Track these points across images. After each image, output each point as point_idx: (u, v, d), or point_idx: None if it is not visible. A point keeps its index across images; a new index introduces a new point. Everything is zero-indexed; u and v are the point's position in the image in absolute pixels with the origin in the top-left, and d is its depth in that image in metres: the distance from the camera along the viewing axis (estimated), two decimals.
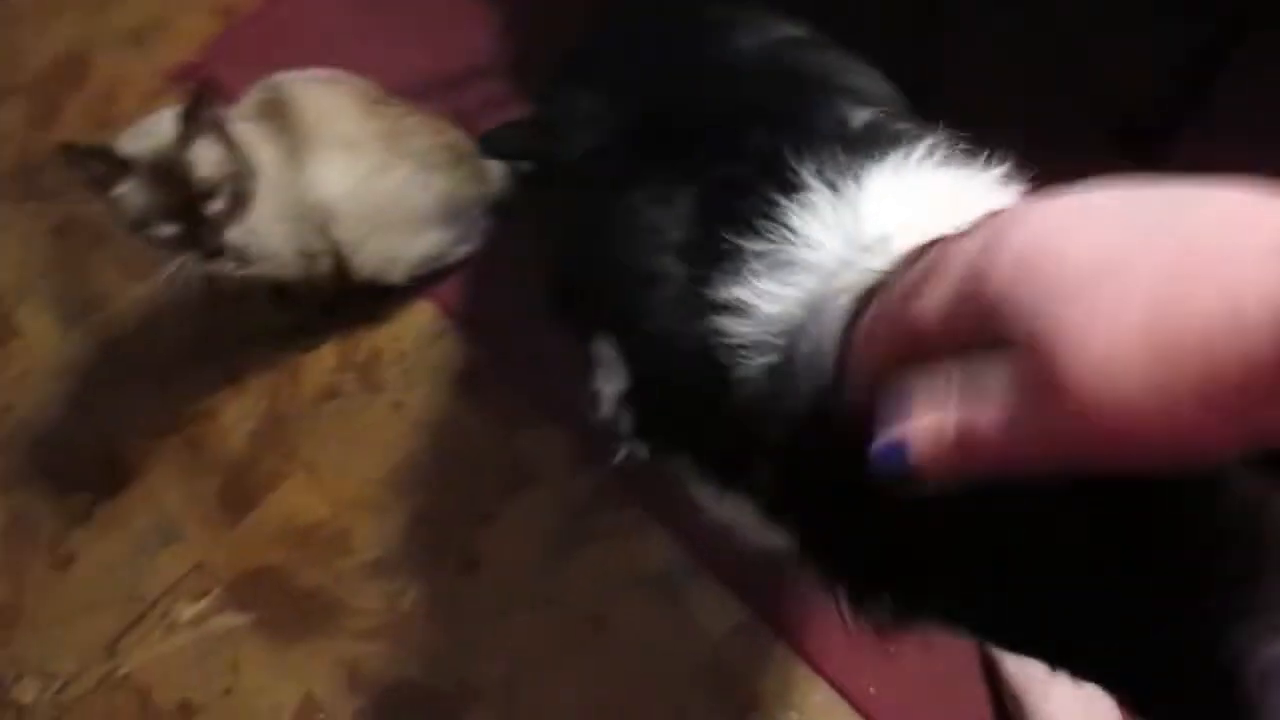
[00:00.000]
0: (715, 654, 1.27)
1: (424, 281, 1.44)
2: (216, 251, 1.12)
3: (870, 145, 0.73)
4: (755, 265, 0.68)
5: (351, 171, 1.23)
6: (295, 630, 1.35)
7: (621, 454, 1.10)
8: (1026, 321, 0.38)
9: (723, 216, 0.73)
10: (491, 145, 1.45)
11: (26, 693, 1.36)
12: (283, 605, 1.36)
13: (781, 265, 0.67)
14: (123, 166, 1.08)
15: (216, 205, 1.10)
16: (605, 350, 1.14)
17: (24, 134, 1.65)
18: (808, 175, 0.70)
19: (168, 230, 1.10)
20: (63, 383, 1.50)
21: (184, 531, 1.41)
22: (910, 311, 0.44)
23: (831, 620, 1.25)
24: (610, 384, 1.18)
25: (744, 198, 0.72)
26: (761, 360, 0.67)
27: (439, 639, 1.32)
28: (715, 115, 0.87)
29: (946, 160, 0.72)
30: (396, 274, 1.36)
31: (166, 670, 1.35)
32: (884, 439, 0.44)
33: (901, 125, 0.79)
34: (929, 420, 0.42)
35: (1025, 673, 1.19)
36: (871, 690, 1.23)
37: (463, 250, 1.43)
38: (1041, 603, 0.49)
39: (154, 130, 1.10)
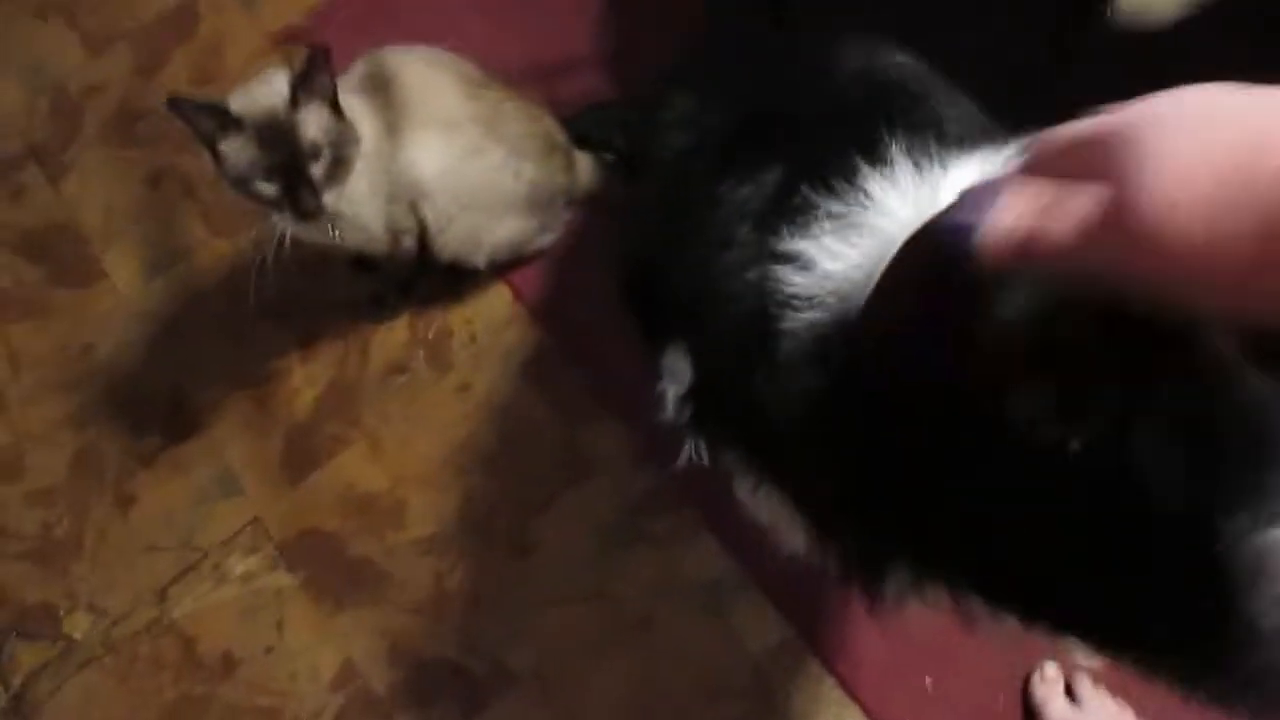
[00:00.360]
0: (754, 669, 1.27)
1: (502, 267, 1.45)
2: (313, 213, 1.13)
3: (962, 139, 0.75)
4: (826, 223, 0.70)
5: (446, 152, 1.25)
6: (342, 596, 1.37)
7: (684, 455, 1.11)
8: (1123, 144, 0.41)
9: (806, 179, 0.74)
10: (581, 126, 1.47)
11: (78, 625, 1.40)
12: (332, 570, 1.39)
13: (852, 227, 0.69)
14: (232, 122, 1.10)
15: (318, 168, 1.12)
16: (673, 350, 1.15)
17: (128, 81, 1.69)
18: (896, 151, 0.72)
19: (268, 189, 1.12)
20: (142, 328, 1.54)
21: (244, 486, 1.44)
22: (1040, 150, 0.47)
23: (872, 647, 1.26)
24: (676, 384, 1.20)
25: (830, 164, 0.73)
26: (810, 315, 0.68)
27: (481, 621, 1.34)
28: (814, 113, 0.89)
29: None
30: (478, 257, 1.37)
31: (213, 621, 1.38)
32: (959, 215, 0.46)
33: (995, 127, 0.79)
34: (1008, 215, 0.45)
35: (1066, 718, 1.18)
36: None
37: (544, 240, 1.44)
38: (1049, 538, 0.50)
39: (265, 89, 1.12)
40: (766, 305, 0.73)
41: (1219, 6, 1.07)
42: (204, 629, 1.39)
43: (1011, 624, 0.60)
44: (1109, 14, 1.02)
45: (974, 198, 0.46)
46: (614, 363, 1.41)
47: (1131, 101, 0.43)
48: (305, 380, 1.48)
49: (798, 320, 0.69)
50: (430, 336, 1.48)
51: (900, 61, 0.95)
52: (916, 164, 0.72)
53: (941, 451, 0.54)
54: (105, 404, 1.50)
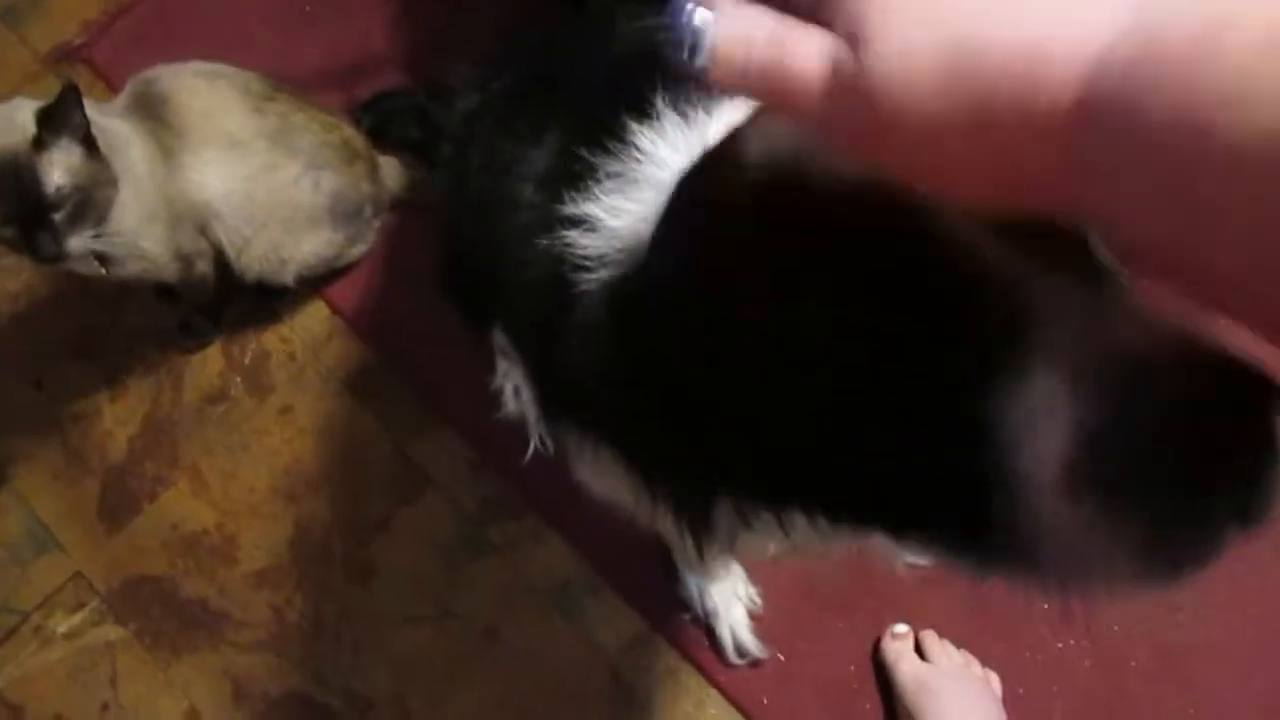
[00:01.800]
0: (612, 667, 1.27)
1: (316, 282, 1.41)
2: (53, 259, 1.07)
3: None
4: (606, 183, 0.72)
5: (235, 172, 1.20)
6: (177, 643, 1.33)
7: (531, 448, 1.11)
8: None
9: (581, 142, 0.76)
10: (373, 117, 1.44)
11: None
12: (164, 617, 1.34)
13: (630, 183, 0.71)
14: None
15: (61, 213, 1.05)
16: (501, 340, 1.15)
17: None
18: (662, 104, 0.73)
19: (4, 231, 1.06)
20: None
21: (60, 540, 1.38)
22: None
23: None
24: (511, 377, 1.19)
25: (602, 125, 0.75)
26: (603, 274, 0.70)
27: (327, 651, 1.31)
28: (587, 78, 0.91)
29: None
30: (285, 275, 1.33)
31: (41, 686, 1.32)
32: (683, 9, 0.42)
33: None
34: (743, 19, 0.41)
35: (919, 679, 1.22)
36: (765, 700, 1.26)
37: (356, 251, 1.40)
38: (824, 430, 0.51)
39: (5, 124, 1.05)
40: (561, 270, 0.74)
41: None
42: (32, 695, 1.32)
43: (829, 531, 0.61)
44: None
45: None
46: (441, 370, 1.39)
47: None
48: (116, 420, 1.42)
49: (592, 281, 0.71)
50: (246, 361, 1.43)
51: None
52: (682, 114, 0.73)
53: (711, 362, 0.55)
54: None
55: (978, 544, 0.49)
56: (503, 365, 1.19)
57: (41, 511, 1.39)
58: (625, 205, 0.70)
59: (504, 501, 1.35)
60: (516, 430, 1.17)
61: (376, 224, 1.41)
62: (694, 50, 0.41)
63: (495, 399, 1.21)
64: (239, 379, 1.42)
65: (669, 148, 0.71)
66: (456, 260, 1.15)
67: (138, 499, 1.39)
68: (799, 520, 0.61)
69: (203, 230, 1.22)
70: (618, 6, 1.09)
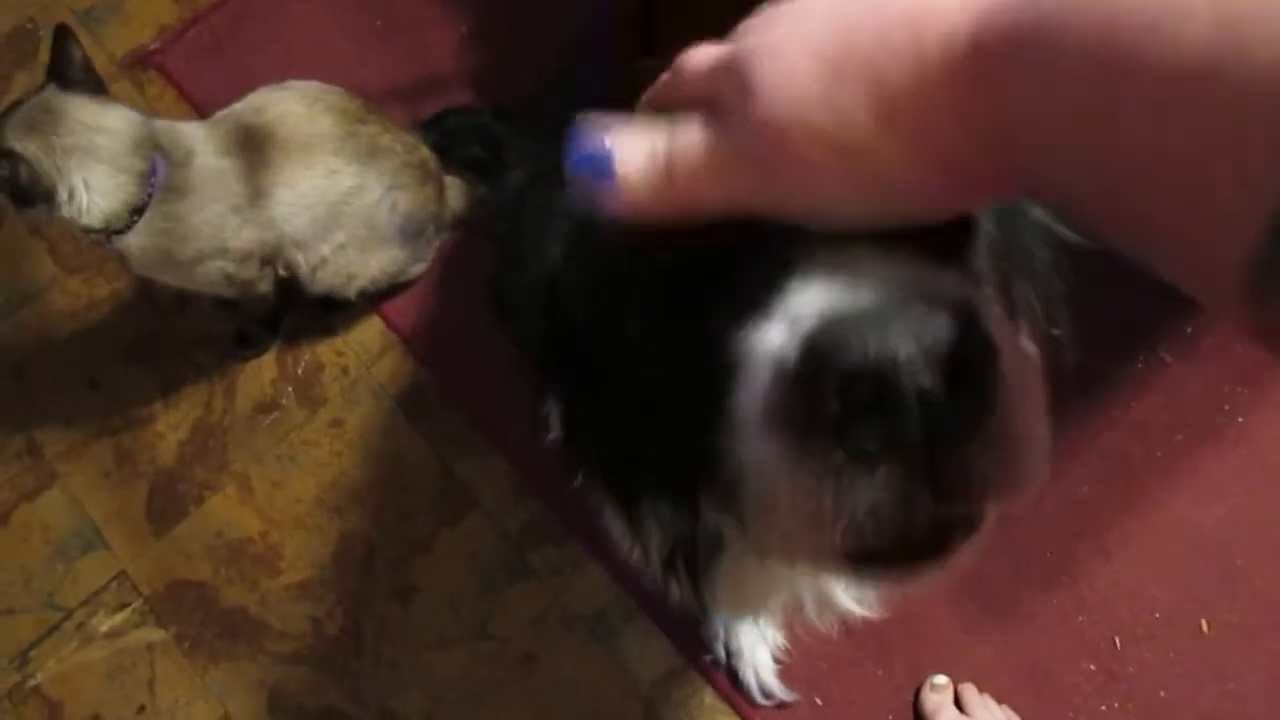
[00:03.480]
0: (645, 699, 1.28)
1: (374, 297, 1.44)
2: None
3: None
4: None
5: (323, 198, 1.24)
6: (216, 649, 1.35)
7: (579, 475, 1.12)
8: (732, 58, 0.40)
9: None
10: (438, 133, 1.47)
11: None
12: (204, 622, 1.36)
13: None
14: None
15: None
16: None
17: None
18: None
19: None
20: None
21: (107, 540, 1.40)
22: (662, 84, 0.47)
23: None
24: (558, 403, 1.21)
25: None
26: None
27: (365, 667, 1.33)
28: None
29: None
30: (350, 291, 1.36)
31: (80, 684, 1.35)
32: (587, 140, 0.44)
33: None
34: (640, 137, 0.43)
35: None
36: None
37: (417, 269, 1.43)
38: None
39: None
40: None
41: None
42: (70, 692, 1.35)
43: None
44: None
45: (588, 130, 0.45)
46: (490, 392, 1.41)
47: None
48: (168, 424, 1.45)
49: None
50: (300, 372, 1.46)
51: None
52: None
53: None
54: None
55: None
56: (550, 393, 1.20)
57: (90, 510, 1.42)
58: None
59: (546, 527, 1.36)
60: (561, 457, 1.18)
61: (437, 243, 1.44)
62: (601, 178, 0.43)
63: (543, 423, 1.22)
64: (291, 389, 1.45)
65: None
66: (510, 287, 1.17)
67: (185, 503, 1.41)
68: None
69: (284, 250, 1.25)
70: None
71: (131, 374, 1.47)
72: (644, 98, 0.49)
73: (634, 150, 0.42)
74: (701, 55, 0.44)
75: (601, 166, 0.43)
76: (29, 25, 1.69)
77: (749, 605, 0.85)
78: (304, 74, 1.36)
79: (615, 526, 0.95)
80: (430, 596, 1.35)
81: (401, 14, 1.65)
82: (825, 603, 0.80)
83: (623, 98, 1.11)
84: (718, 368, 0.44)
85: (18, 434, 1.46)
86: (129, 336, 1.49)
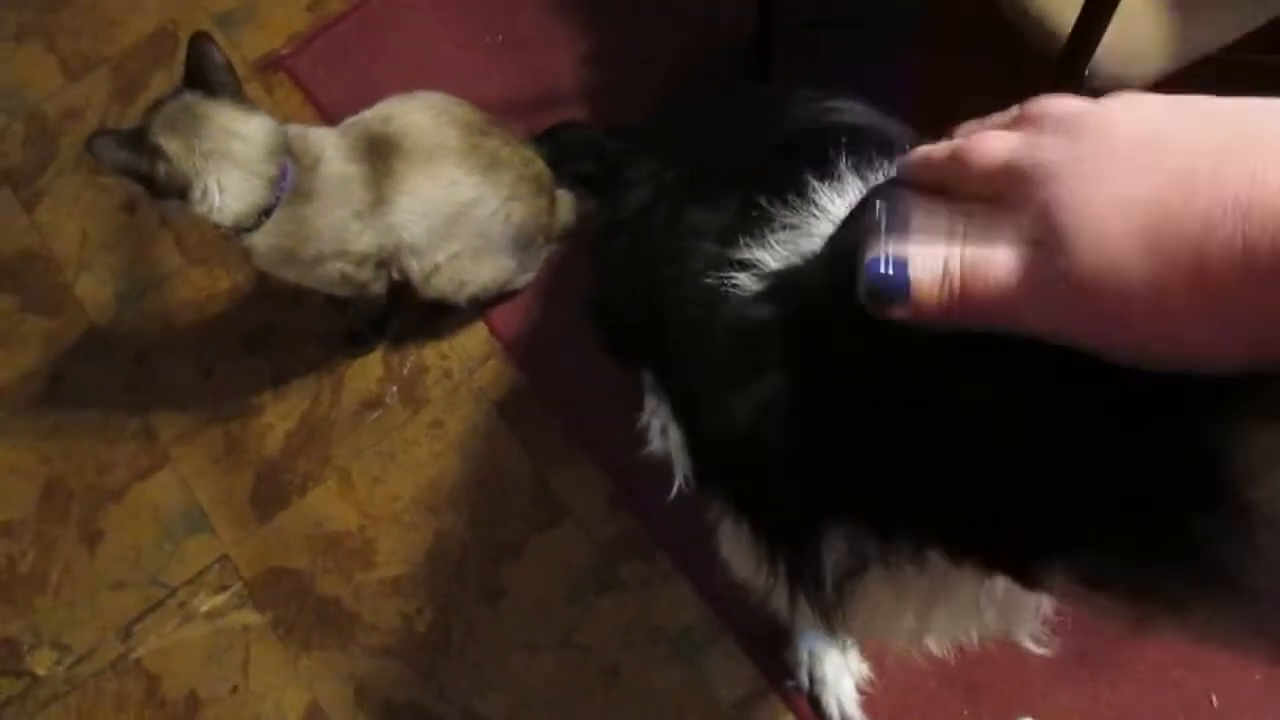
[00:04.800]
0: None
1: (481, 304, 1.48)
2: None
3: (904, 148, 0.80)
4: (781, 233, 0.75)
5: (442, 209, 1.28)
6: (309, 637, 1.39)
7: (674, 488, 1.14)
8: (1046, 180, 0.40)
9: (762, 196, 0.80)
10: (552, 146, 1.50)
11: (41, 663, 1.42)
12: (299, 610, 1.41)
13: (804, 235, 0.74)
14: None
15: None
16: (653, 379, 1.19)
17: (106, 106, 1.71)
18: (844, 166, 0.77)
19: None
20: (113, 359, 1.56)
21: (212, 523, 1.46)
22: (961, 149, 0.45)
23: None
24: (658, 416, 1.23)
25: (784, 183, 0.79)
26: (767, 310, 0.72)
27: (451, 666, 1.35)
28: (768, 147, 0.95)
29: None
30: (460, 297, 1.41)
31: (178, 660, 1.40)
32: (882, 251, 0.44)
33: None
34: (934, 249, 0.43)
35: None
36: None
37: (524, 279, 1.47)
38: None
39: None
40: (721, 310, 0.78)
41: (1205, 64, 1.09)
42: (169, 668, 1.41)
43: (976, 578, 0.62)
44: (1086, 72, 1.04)
45: (883, 220, 0.46)
46: (589, 404, 1.44)
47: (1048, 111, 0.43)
48: (277, 415, 1.50)
49: (745, 307, 0.75)
50: (405, 372, 1.50)
51: (852, 106, 1.01)
52: (862, 175, 0.77)
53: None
54: (74, 436, 1.52)
55: (1156, 569, 0.48)
56: (650, 404, 1.23)
57: (198, 493, 1.48)
58: (792, 255, 0.73)
59: (637, 540, 1.38)
60: (657, 470, 1.20)
61: (545, 255, 1.47)
62: (894, 297, 0.44)
63: (640, 436, 1.25)
64: (396, 389, 1.49)
65: (847, 206, 0.74)
66: (614, 300, 1.20)
67: (288, 493, 1.46)
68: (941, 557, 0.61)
69: (402, 256, 1.30)
70: (792, 90, 1.13)
71: (245, 365, 1.53)
72: (914, 165, 0.48)
73: (928, 265, 0.43)
74: (993, 150, 0.43)
75: (896, 285, 0.43)
76: (169, 27, 1.77)
77: (881, 631, 0.86)
78: (425, 83, 1.41)
79: (730, 543, 0.96)
80: (518, 601, 1.37)
81: (521, 30, 1.70)
82: (981, 633, 0.81)
83: (742, 120, 1.13)
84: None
85: (136, 416, 1.52)
86: (245, 328, 1.55)
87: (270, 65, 1.72)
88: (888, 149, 0.84)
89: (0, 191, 1.67)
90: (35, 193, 1.67)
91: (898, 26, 1.60)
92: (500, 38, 1.69)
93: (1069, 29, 1.02)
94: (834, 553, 0.67)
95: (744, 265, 0.77)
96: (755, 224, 0.80)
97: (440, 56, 1.69)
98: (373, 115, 1.28)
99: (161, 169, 1.11)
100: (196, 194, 1.13)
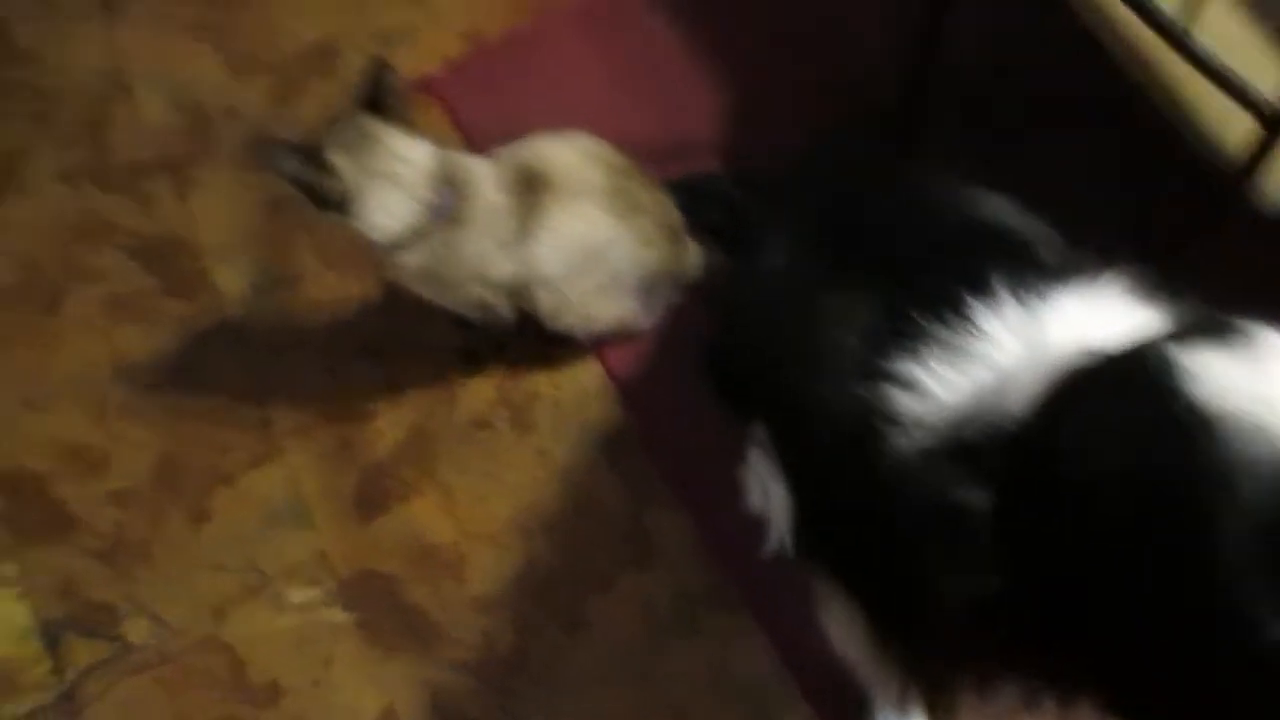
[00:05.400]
0: None
1: (597, 339, 1.52)
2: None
3: (1058, 272, 0.83)
4: (936, 349, 0.78)
5: (580, 247, 1.33)
6: (392, 642, 1.43)
7: (769, 545, 1.16)
8: None
9: (914, 305, 0.82)
10: (683, 196, 1.53)
11: (136, 631, 1.48)
12: (387, 615, 1.45)
13: (961, 354, 0.77)
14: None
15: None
16: (761, 436, 1.21)
17: (264, 108, 1.80)
18: (998, 283, 0.79)
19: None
20: (242, 347, 1.63)
21: (314, 518, 1.51)
22: None
23: None
24: (761, 473, 1.24)
25: (937, 294, 0.81)
26: (919, 436, 0.75)
27: (526, 689, 1.38)
28: (916, 242, 0.97)
29: (1127, 291, 0.81)
30: (581, 332, 1.46)
31: (266, 647, 1.45)
32: None
33: (1085, 259, 0.87)
34: None
35: None
36: None
37: (644, 320, 1.50)
38: None
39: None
40: (870, 420, 0.80)
41: None
42: (256, 653, 1.45)
43: None
44: (1254, 196, 1.03)
45: None
46: (691, 450, 1.47)
47: None
48: (390, 422, 1.55)
49: (907, 440, 0.76)
50: (517, 397, 1.54)
51: (999, 204, 1.02)
52: (1019, 297, 0.79)
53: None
54: (195, 417, 1.59)
55: None
56: (754, 459, 1.24)
57: (305, 487, 1.53)
58: (953, 378, 0.75)
59: (722, 591, 1.40)
60: (751, 525, 1.22)
61: (667, 300, 1.50)
62: None
63: (738, 489, 1.27)
64: (506, 413, 1.53)
65: (1005, 330, 0.76)
66: (733, 353, 1.22)
67: (390, 499, 1.51)
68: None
69: (534, 289, 1.35)
70: (933, 169, 1.15)
71: (364, 369, 1.59)
72: None
73: None
74: None
75: None
76: (331, 40, 1.85)
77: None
78: (567, 118, 1.46)
79: (837, 621, 0.97)
80: (599, 635, 1.40)
81: (665, 75, 1.74)
82: None
83: (883, 197, 1.15)
84: None
85: (255, 406, 1.59)
86: (369, 335, 1.61)
87: (422, 86, 1.79)
88: (1035, 259, 0.85)
89: (157, 177, 1.76)
90: (187, 181, 1.75)
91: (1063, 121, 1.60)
92: (646, 80, 1.74)
93: (1243, 152, 1.03)
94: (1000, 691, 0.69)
95: (899, 381, 0.79)
96: (905, 332, 0.82)
97: (584, 94, 1.74)
98: (526, 151, 1.34)
99: (329, 183, 1.17)
100: (358, 210, 1.19)
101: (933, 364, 0.78)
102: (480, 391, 1.55)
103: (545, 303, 1.37)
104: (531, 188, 1.29)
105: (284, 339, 1.63)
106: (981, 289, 0.80)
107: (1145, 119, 1.17)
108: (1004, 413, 0.69)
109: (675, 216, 1.43)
